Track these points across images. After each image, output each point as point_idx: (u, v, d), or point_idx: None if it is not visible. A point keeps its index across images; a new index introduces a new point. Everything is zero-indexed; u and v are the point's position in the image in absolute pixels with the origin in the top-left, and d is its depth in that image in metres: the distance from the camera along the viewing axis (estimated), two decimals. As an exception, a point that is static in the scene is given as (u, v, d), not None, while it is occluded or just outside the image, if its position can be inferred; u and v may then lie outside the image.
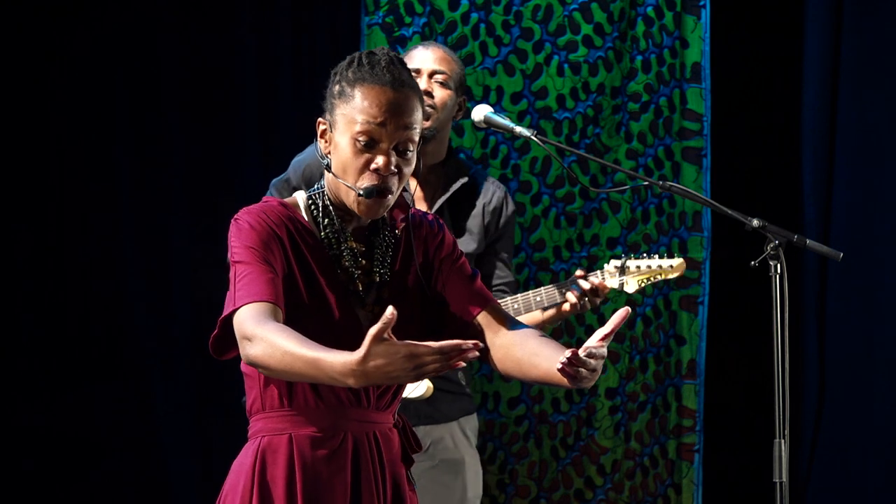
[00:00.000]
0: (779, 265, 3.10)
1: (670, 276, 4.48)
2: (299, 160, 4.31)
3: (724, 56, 5.78)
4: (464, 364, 2.60)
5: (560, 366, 2.73)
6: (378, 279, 3.01)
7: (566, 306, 4.36)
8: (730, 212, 3.12)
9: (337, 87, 3.00)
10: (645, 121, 5.67)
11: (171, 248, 5.41)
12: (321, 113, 3.05)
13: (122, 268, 5.37)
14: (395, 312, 2.58)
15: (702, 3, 5.68)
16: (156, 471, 5.37)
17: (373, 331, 2.59)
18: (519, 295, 4.41)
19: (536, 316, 4.41)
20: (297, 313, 2.90)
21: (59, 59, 5.33)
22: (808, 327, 5.82)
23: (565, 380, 2.78)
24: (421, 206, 4.39)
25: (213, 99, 5.47)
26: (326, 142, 3.02)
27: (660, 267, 4.46)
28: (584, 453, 5.65)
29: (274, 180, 4.38)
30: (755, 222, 3.11)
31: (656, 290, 5.67)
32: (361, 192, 2.93)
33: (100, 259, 5.37)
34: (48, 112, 5.34)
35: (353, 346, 2.68)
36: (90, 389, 5.32)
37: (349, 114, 2.95)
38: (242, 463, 2.99)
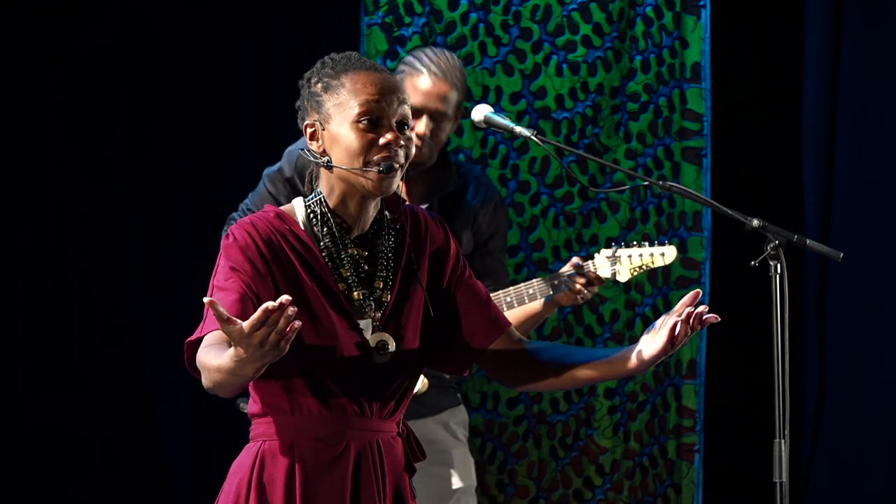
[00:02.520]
0: (779, 265, 3.10)
1: (662, 265, 4.39)
2: (292, 150, 4.28)
3: (724, 56, 5.78)
4: (299, 324, 2.55)
5: (687, 315, 2.80)
6: (381, 285, 2.98)
7: (562, 298, 4.31)
8: (730, 212, 3.12)
9: (319, 85, 2.97)
10: (644, 121, 5.66)
11: (171, 249, 5.40)
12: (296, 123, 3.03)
13: (121, 268, 5.37)
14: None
15: (702, 3, 5.68)
16: (156, 471, 5.37)
17: (220, 321, 2.58)
18: (511, 288, 4.36)
19: (531, 308, 4.37)
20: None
21: (59, 59, 5.33)
22: (808, 327, 5.82)
23: (617, 367, 2.90)
24: None
25: (213, 99, 5.47)
26: (319, 141, 2.99)
27: (651, 255, 4.37)
28: (583, 453, 5.65)
29: (266, 170, 4.36)
30: (755, 222, 3.11)
31: (656, 290, 5.67)
32: (382, 169, 2.89)
33: (99, 259, 5.36)
34: (48, 112, 5.34)
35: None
36: (90, 388, 5.32)
37: (343, 101, 2.93)
38: (242, 464, 2.98)
